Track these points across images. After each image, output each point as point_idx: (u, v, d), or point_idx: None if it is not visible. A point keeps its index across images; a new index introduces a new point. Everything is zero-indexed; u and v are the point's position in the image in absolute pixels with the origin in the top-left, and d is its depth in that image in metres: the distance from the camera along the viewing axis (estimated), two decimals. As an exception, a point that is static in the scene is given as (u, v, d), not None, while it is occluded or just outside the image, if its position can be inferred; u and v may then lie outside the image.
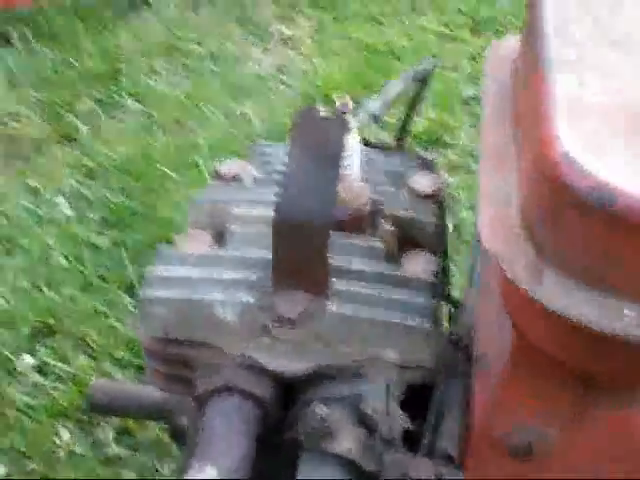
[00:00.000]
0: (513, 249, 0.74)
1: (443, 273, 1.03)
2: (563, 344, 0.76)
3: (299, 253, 0.87)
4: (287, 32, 2.68)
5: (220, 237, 0.98)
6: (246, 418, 0.89)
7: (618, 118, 0.74)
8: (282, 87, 2.47)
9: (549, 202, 0.71)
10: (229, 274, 0.91)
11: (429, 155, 1.10)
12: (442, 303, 0.96)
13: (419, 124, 2.24)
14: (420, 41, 2.58)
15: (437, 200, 1.01)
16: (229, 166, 1.06)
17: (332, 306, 0.88)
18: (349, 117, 0.89)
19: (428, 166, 1.06)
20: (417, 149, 2.10)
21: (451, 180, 2.02)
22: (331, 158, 0.84)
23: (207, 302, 0.89)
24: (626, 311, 0.69)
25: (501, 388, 0.87)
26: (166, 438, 1.59)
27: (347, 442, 0.84)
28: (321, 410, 0.83)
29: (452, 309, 1.14)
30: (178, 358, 0.94)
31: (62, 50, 2.61)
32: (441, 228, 1.00)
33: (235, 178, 1.04)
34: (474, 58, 2.46)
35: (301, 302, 0.89)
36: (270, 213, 0.87)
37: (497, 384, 0.88)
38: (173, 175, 2.11)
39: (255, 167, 1.06)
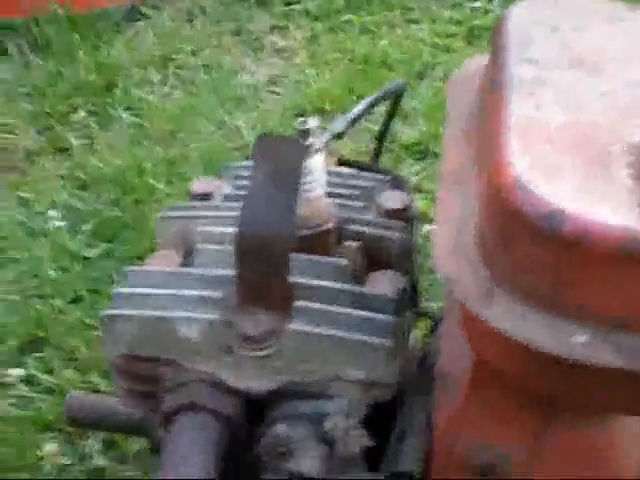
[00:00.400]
0: (465, 271, 0.74)
1: (413, 291, 1.03)
2: (516, 366, 0.76)
3: (261, 271, 0.88)
4: (281, 42, 2.68)
5: (189, 255, 0.99)
6: (211, 436, 0.89)
7: (572, 141, 0.75)
8: (275, 97, 2.47)
9: (501, 226, 0.72)
10: (194, 292, 0.92)
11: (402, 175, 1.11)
12: (408, 320, 0.97)
13: (410, 136, 2.25)
14: (414, 52, 2.58)
15: (405, 217, 1.02)
16: (201, 184, 1.07)
17: (295, 324, 0.88)
18: (314, 138, 0.90)
19: (399, 185, 1.07)
20: (403, 160, 2.12)
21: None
22: (290, 180, 0.85)
23: (171, 319, 0.90)
24: (576, 335, 0.69)
25: (462, 408, 0.88)
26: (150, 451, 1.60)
27: (307, 460, 0.84)
28: (281, 430, 0.84)
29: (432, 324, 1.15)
30: (144, 375, 0.94)
31: (57, 62, 2.62)
32: (409, 245, 1.00)
33: (205, 196, 1.05)
34: (467, 69, 2.46)
35: (264, 321, 0.89)
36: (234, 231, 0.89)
37: (458, 403, 0.88)
38: (163, 188, 2.12)
39: (227, 185, 1.07)
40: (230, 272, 0.90)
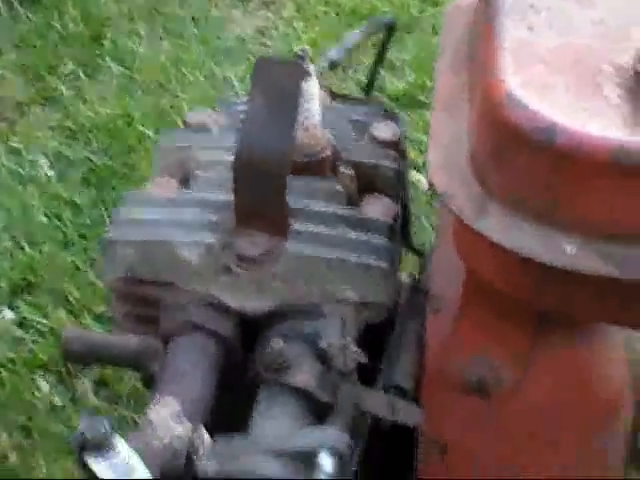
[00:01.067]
0: (460, 186, 0.77)
1: (404, 221, 1.05)
2: (508, 278, 0.79)
3: (259, 194, 0.90)
4: (268, -5, 2.69)
5: (186, 182, 1.01)
6: (209, 354, 0.92)
7: (563, 62, 0.77)
8: (263, 50, 2.48)
9: (495, 140, 0.75)
10: (192, 216, 0.94)
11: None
12: (400, 245, 0.99)
13: (398, 86, 2.26)
14: (401, 5, 2.58)
15: (398, 148, 1.04)
16: (197, 115, 1.09)
17: (291, 246, 0.91)
18: (308, 64, 0.92)
19: (392, 117, 1.09)
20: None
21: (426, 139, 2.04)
22: (288, 101, 0.86)
23: (170, 243, 0.92)
24: (566, 244, 0.72)
25: (453, 326, 0.91)
26: (144, 391, 1.62)
27: (303, 375, 0.87)
28: (278, 344, 0.86)
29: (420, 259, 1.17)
30: (143, 298, 0.97)
31: (45, 14, 2.61)
32: (401, 175, 1.03)
33: (202, 126, 1.07)
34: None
35: (261, 243, 0.92)
36: (232, 158, 0.90)
37: (450, 322, 0.91)
38: (153, 136, 2.13)
39: (223, 117, 1.09)
40: (228, 197, 0.92)
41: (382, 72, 2.31)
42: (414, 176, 1.99)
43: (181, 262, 0.92)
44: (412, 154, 2.03)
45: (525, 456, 0.94)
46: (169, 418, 0.85)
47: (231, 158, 0.91)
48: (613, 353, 0.93)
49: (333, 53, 0.98)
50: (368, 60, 2.23)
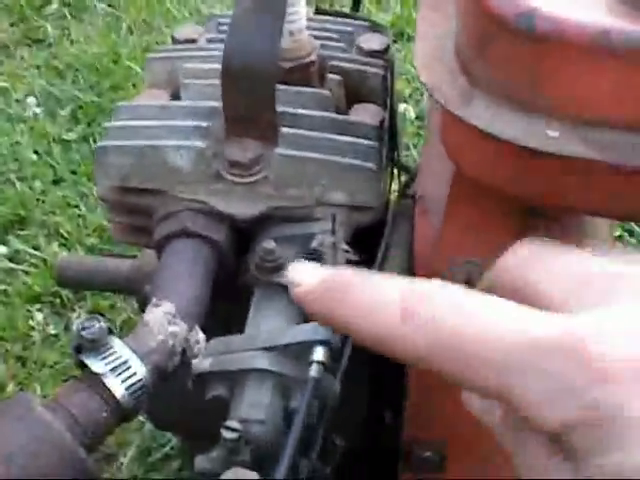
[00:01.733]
0: (446, 78, 0.78)
1: (392, 130, 1.07)
2: (492, 169, 0.80)
3: (247, 100, 0.91)
4: None
5: (176, 93, 1.02)
6: (202, 259, 0.93)
7: (546, -46, 0.78)
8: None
9: (478, 31, 0.76)
10: (183, 123, 0.95)
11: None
12: (388, 150, 1.01)
13: (385, 19, 2.27)
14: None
15: (384, 58, 1.05)
16: (185, 30, 1.10)
17: (281, 149, 0.92)
18: (295, -31, 0.92)
19: (378, 29, 1.10)
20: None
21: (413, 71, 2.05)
22: (275, 3, 0.87)
23: (162, 148, 0.93)
24: (548, 129, 0.73)
25: (440, 224, 0.92)
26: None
27: (296, 274, 0.88)
28: (270, 245, 0.88)
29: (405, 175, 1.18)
30: (136, 208, 0.98)
31: (29, -45, 2.60)
32: (388, 84, 1.04)
33: (190, 41, 1.08)
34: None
35: (251, 148, 0.93)
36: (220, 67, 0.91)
37: (437, 223, 0.93)
38: (140, 72, 2.13)
39: (209, 31, 1.10)
40: (218, 104, 0.93)
41: (368, 6, 2.32)
42: (402, 106, 2.00)
43: (172, 168, 0.93)
44: (400, 85, 2.05)
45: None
46: (164, 318, 0.87)
47: (218, 67, 0.92)
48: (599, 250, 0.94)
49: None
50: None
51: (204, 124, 0.94)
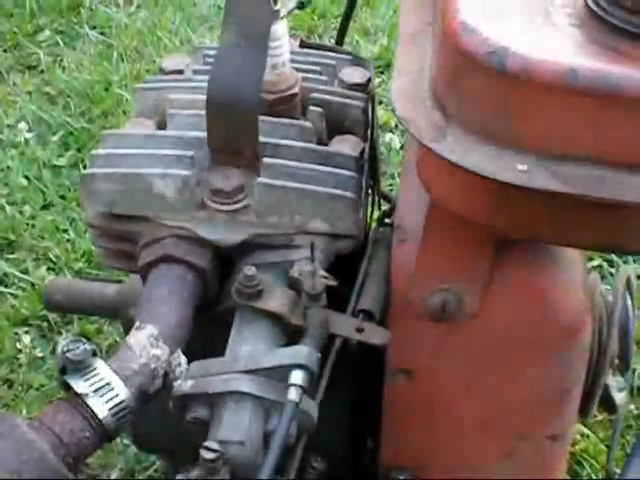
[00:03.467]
0: (421, 112, 0.81)
1: (372, 161, 1.10)
2: (466, 200, 0.83)
3: (231, 130, 0.94)
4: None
5: (162, 123, 1.05)
6: (186, 284, 0.96)
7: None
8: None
9: (452, 67, 0.79)
10: (168, 152, 0.97)
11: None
12: (368, 180, 1.03)
13: (372, 50, 2.31)
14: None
15: (366, 91, 1.08)
16: (172, 60, 1.13)
17: (263, 178, 0.95)
18: (278, 5, 0.95)
19: (360, 63, 1.13)
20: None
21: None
22: (258, 38, 0.90)
23: (147, 176, 0.96)
24: (518, 162, 0.76)
25: (417, 253, 0.95)
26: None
27: (275, 300, 0.91)
28: (250, 271, 0.91)
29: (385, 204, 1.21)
30: (122, 234, 1.00)
31: (22, -18, 2.64)
32: (369, 117, 1.07)
33: (177, 72, 1.11)
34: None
35: (234, 177, 0.96)
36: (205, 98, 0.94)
37: (414, 251, 0.95)
38: (131, 99, 2.16)
39: (196, 62, 1.13)
40: (202, 134, 0.96)
41: (356, 37, 2.36)
42: (387, 136, 2.04)
43: (157, 195, 0.96)
44: (385, 117, 2.08)
45: (491, 377, 0.99)
46: (147, 341, 0.89)
47: (203, 97, 0.96)
48: (572, 279, 0.97)
49: (301, -6, 1.01)
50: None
51: (189, 153, 0.96)
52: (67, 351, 0.85)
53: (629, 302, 1.07)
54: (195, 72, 1.10)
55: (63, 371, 0.86)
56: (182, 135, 0.99)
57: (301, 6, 0.98)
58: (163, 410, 0.90)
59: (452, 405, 1.03)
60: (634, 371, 1.56)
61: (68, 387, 0.86)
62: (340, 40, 1.27)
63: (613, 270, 1.75)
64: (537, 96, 0.74)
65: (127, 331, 1.35)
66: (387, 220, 1.09)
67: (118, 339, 1.69)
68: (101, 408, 0.84)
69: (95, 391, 0.85)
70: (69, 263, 1.81)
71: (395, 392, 1.02)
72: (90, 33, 2.46)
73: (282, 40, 0.97)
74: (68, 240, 1.86)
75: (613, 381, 1.09)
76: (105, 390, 0.85)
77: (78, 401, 0.84)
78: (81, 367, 0.85)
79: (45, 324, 1.73)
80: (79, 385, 0.85)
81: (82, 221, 1.88)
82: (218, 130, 0.95)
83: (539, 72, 0.73)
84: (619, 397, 1.10)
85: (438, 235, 0.93)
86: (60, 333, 1.72)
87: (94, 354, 0.86)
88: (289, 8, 0.97)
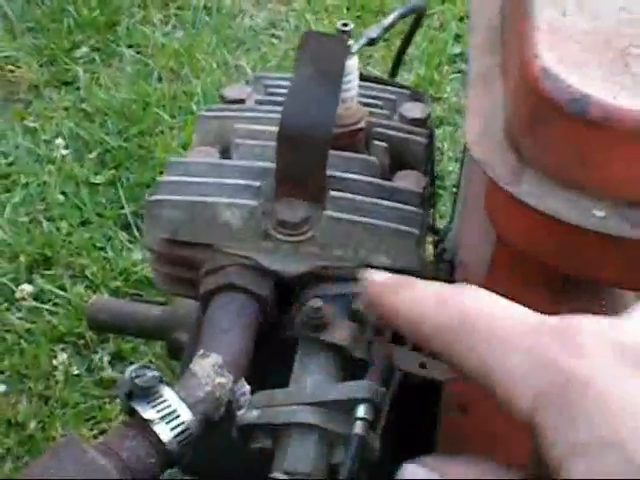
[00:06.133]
0: (496, 155, 0.82)
1: (431, 195, 1.11)
2: (538, 242, 0.84)
3: (300, 163, 0.95)
4: (280, -12, 2.75)
5: (226, 153, 1.06)
6: (247, 313, 0.97)
7: (595, 43, 0.83)
8: (274, 41, 2.54)
9: (530, 112, 0.80)
10: (235, 181, 0.99)
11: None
12: (429, 215, 1.05)
13: (408, 80, 2.32)
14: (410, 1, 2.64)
15: (426, 126, 1.09)
16: (234, 90, 1.14)
17: (328, 212, 0.96)
18: (350, 40, 0.97)
19: (419, 97, 1.15)
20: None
21: (437, 132, 2.10)
22: (333, 74, 0.92)
23: (213, 205, 0.97)
24: (595, 208, 0.78)
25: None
26: (160, 364, 1.68)
27: (339, 332, 0.92)
28: (317, 303, 0.92)
29: (437, 239, 1.23)
30: (183, 260, 1.02)
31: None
32: (430, 152, 1.08)
33: (239, 101, 1.12)
34: (461, 19, 2.54)
35: (301, 209, 0.97)
36: (272, 129, 0.96)
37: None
38: (168, 119, 2.18)
39: (257, 92, 1.14)
40: (269, 165, 0.98)
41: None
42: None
43: (222, 224, 0.97)
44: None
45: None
46: (211, 369, 0.90)
47: (269, 128, 0.97)
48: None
49: (372, 31, 1.03)
50: (378, 53, 2.30)
51: (256, 183, 0.98)
52: (135, 377, 0.86)
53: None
54: (259, 102, 1.11)
55: (129, 396, 0.87)
56: (248, 165, 1.00)
57: (372, 42, 0.99)
58: (223, 437, 0.91)
59: (508, 439, 1.04)
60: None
61: (132, 412, 0.87)
62: (394, 73, 1.28)
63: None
64: (617, 144, 0.75)
65: (171, 354, 1.37)
66: (444, 256, 1.10)
67: (153, 359, 1.70)
68: (167, 435, 0.85)
69: (162, 417, 0.86)
70: (105, 281, 1.82)
71: (451, 424, 1.03)
72: (126, 52, 2.48)
73: (353, 75, 0.98)
74: (105, 258, 1.88)
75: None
76: (171, 417, 0.86)
77: (145, 427, 0.85)
78: (148, 393, 0.86)
79: (81, 341, 1.74)
80: (146, 411, 0.85)
81: (119, 239, 1.90)
82: (287, 162, 0.96)
83: (619, 120, 0.74)
84: None
85: (503, 273, 0.94)
86: (96, 352, 1.73)
87: (161, 380, 0.87)
88: (360, 44, 0.98)
